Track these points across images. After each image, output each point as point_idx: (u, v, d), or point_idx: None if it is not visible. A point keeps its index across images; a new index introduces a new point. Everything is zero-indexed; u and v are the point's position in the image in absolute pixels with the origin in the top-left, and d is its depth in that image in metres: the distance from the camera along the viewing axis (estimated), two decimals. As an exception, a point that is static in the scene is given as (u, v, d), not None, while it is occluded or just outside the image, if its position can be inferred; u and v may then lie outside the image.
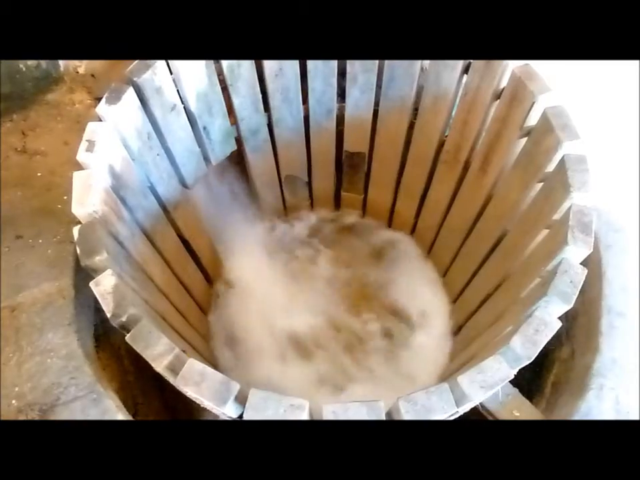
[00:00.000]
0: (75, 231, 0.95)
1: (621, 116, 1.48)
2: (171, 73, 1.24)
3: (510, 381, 0.98)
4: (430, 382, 1.50)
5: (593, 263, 1.22)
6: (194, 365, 0.82)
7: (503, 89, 1.29)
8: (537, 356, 0.87)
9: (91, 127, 1.06)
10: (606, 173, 1.33)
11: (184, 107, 1.32)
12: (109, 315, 0.88)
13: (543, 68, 1.22)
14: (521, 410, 1.03)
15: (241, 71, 1.40)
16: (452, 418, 0.86)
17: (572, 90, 1.42)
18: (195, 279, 1.59)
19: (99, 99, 1.11)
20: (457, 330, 1.60)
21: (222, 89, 1.41)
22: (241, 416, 0.84)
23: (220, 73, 1.37)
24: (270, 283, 1.77)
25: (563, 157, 1.08)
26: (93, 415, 0.99)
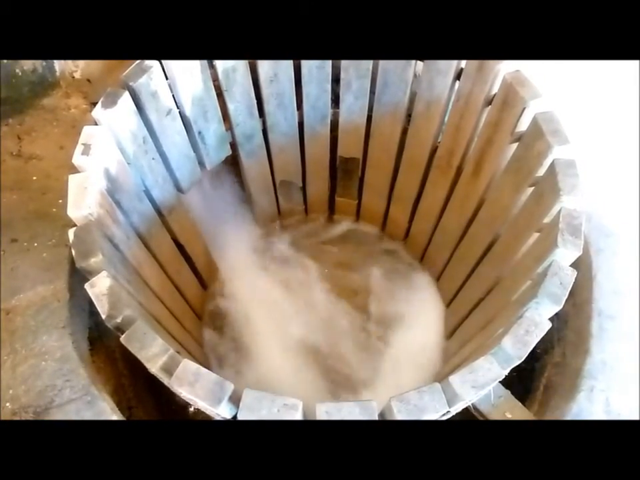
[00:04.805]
0: (71, 233, 0.95)
1: (615, 121, 1.50)
2: (167, 78, 1.25)
3: (502, 383, 0.99)
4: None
5: (583, 267, 1.23)
6: (188, 365, 0.83)
7: (495, 94, 1.30)
8: (529, 358, 0.88)
9: (87, 130, 1.06)
10: (598, 178, 1.35)
11: (179, 112, 1.33)
12: (103, 317, 0.89)
13: (539, 69, 1.24)
14: (512, 412, 1.04)
15: (236, 76, 1.41)
16: (444, 418, 0.87)
17: (566, 93, 1.45)
18: (189, 283, 1.60)
19: (95, 104, 1.12)
20: (450, 333, 1.61)
21: (217, 94, 1.42)
22: (235, 417, 0.85)
23: (215, 79, 1.38)
24: (264, 288, 1.78)
25: (553, 161, 1.09)
26: (87, 417, 0.99)
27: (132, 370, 1.30)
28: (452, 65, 1.35)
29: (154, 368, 0.84)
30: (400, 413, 0.81)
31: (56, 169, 1.43)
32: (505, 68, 1.24)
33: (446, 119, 1.49)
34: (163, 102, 1.26)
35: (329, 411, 0.80)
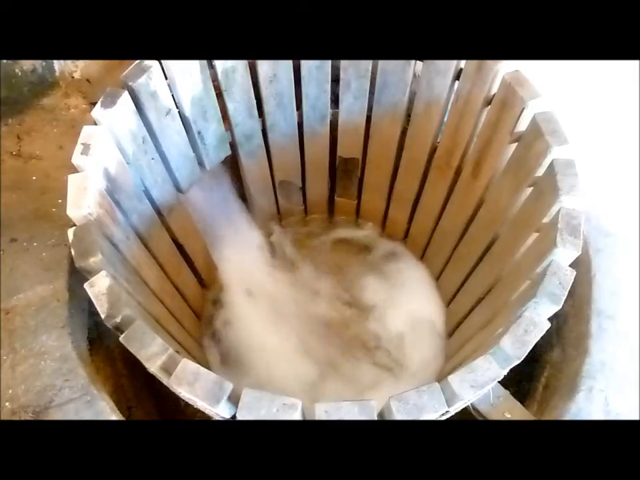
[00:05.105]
0: (70, 232, 0.95)
1: (614, 121, 1.50)
2: (166, 78, 1.25)
3: (501, 383, 0.99)
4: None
5: (583, 267, 1.23)
6: (187, 365, 0.83)
7: (494, 95, 1.30)
8: (528, 359, 0.88)
9: (87, 130, 1.06)
10: (597, 178, 1.36)
11: (179, 112, 1.33)
12: (103, 316, 0.89)
13: (539, 69, 1.24)
14: (512, 412, 1.04)
15: (235, 76, 1.41)
16: (443, 418, 0.87)
17: (566, 93, 1.45)
18: (189, 283, 1.60)
19: (94, 104, 1.12)
20: (450, 333, 1.61)
21: (216, 94, 1.42)
22: (234, 416, 0.85)
23: (214, 79, 1.38)
24: (263, 288, 1.78)
25: (552, 161, 1.09)
26: (87, 417, 0.99)
27: (131, 370, 1.30)
28: (451, 65, 1.35)
29: (153, 367, 0.84)
30: (399, 413, 0.81)
31: (55, 169, 1.43)
32: (504, 68, 1.24)
33: (445, 119, 1.49)
34: (163, 102, 1.26)
35: (328, 410, 0.80)
